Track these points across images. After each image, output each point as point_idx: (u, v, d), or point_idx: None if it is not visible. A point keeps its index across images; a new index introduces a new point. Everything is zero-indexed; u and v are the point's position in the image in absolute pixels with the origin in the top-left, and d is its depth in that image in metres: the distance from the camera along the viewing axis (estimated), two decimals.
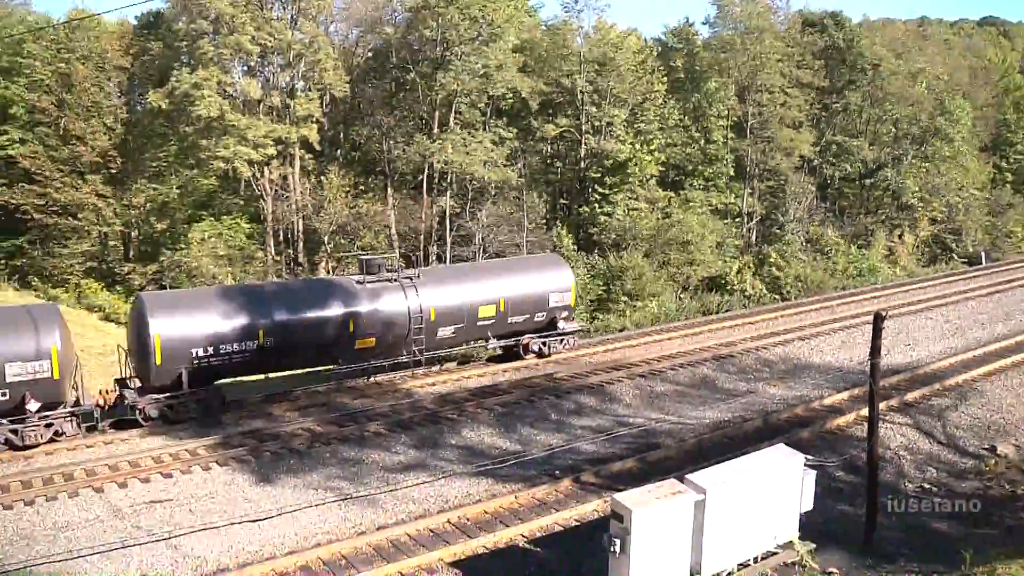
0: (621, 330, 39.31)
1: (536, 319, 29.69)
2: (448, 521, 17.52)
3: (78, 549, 16.49)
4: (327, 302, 25.47)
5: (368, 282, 26.40)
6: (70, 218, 49.56)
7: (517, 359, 30.02)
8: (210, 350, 23.21)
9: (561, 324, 30.26)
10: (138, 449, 21.76)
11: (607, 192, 52.97)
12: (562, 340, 30.66)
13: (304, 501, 18.68)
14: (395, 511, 18.39)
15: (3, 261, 52.27)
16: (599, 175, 53.68)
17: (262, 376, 26.74)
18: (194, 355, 23.01)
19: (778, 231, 58.73)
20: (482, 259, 46.09)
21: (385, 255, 30.35)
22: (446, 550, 16.24)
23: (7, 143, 50.55)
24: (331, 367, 26.18)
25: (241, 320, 23.73)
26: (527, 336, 29.90)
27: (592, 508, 18.04)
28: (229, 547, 16.76)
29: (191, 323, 23.15)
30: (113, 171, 51.80)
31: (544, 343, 30.20)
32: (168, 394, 23.15)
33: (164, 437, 22.66)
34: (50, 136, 50.42)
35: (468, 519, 17.66)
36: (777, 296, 49.14)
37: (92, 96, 50.62)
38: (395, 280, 26.87)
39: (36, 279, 50.24)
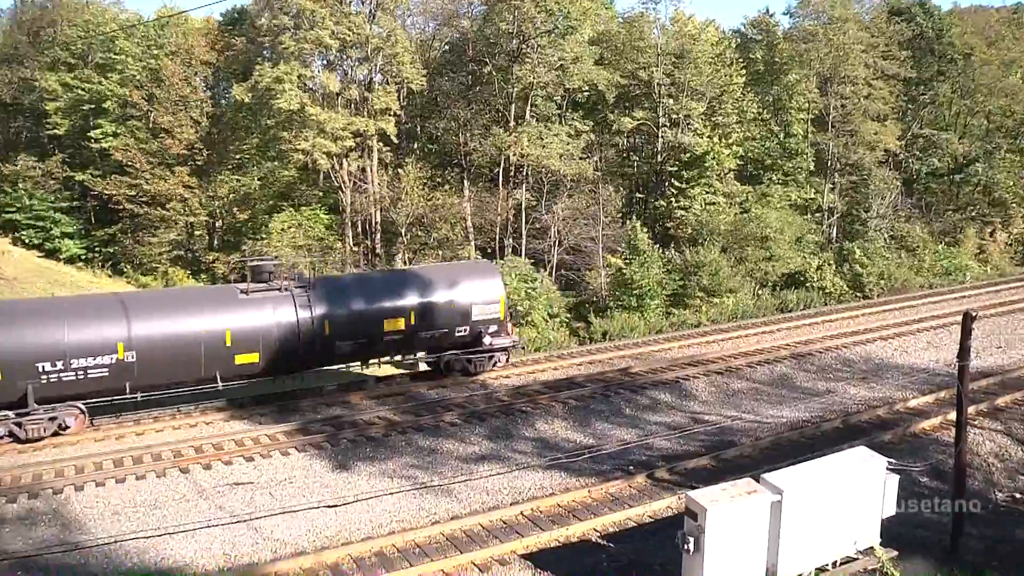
0: (696, 325, 38.86)
1: (458, 334, 26.71)
2: (521, 513, 17.59)
3: (165, 527, 17.14)
4: (201, 313, 22.93)
5: (253, 291, 23.92)
6: (159, 208, 51.24)
7: (442, 377, 27.44)
8: (59, 364, 20.90)
9: (488, 340, 27.02)
10: (221, 432, 22.45)
11: (684, 186, 52.29)
12: (491, 357, 27.64)
13: (380, 489, 19.00)
14: (469, 501, 18.56)
15: (98, 248, 54.47)
16: (676, 169, 53.02)
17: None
18: (41, 370, 20.79)
19: (860, 227, 57.15)
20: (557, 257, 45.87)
21: (275, 260, 26.78)
22: (519, 542, 16.32)
23: (101, 136, 52.58)
24: (211, 387, 23.21)
25: (97, 332, 21.38)
26: (450, 352, 27.06)
27: (666, 505, 17.90)
28: (307, 531, 17.16)
29: (36, 334, 20.84)
30: (199, 163, 53.35)
31: (469, 360, 27.27)
32: (17, 411, 21.05)
33: (246, 422, 23.33)
34: (141, 129, 52.24)
35: (541, 512, 17.71)
36: (859, 294, 47.84)
37: (180, 91, 52.17)
38: (285, 290, 24.28)
39: (128, 266, 52.19)
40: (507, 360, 28.38)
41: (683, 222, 51.40)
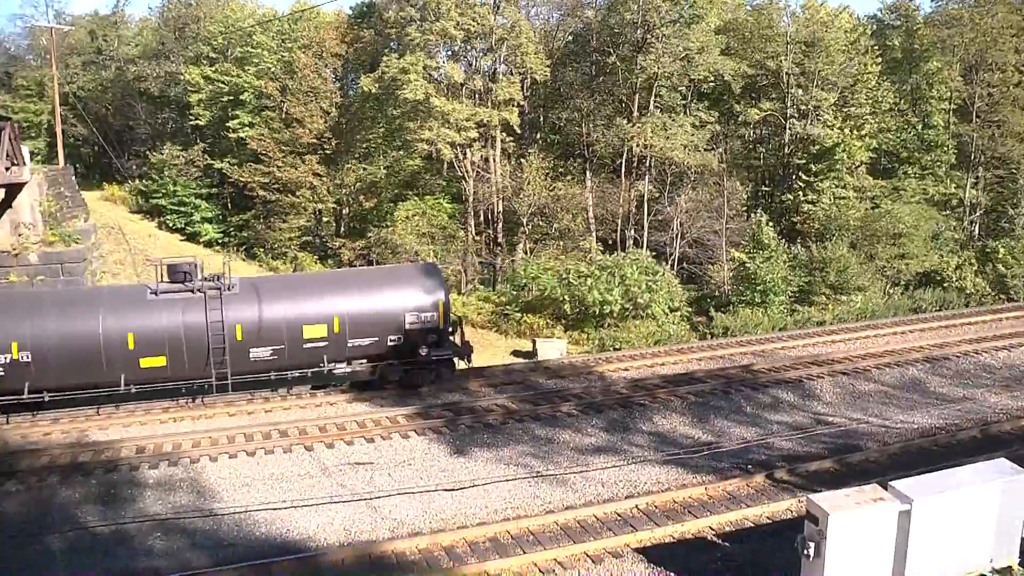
0: (821, 324, 37.55)
1: (391, 343, 24.30)
2: (636, 507, 17.45)
3: (290, 500, 17.90)
4: (105, 313, 21.88)
5: (163, 292, 22.71)
6: (289, 195, 53.38)
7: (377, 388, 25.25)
8: None
9: (424, 351, 24.44)
10: (344, 413, 23.22)
11: (812, 179, 50.59)
12: (433, 369, 25.16)
13: (496, 475, 19.23)
14: (583, 492, 18.55)
15: (233, 233, 57.26)
16: (804, 161, 51.39)
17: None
18: None
19: (1007, 225, 53.83)
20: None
21: (190, 260, 24.56)
22: (632, 535, 16.20)
23: (238, 126, 55.22)
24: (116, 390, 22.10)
25: None
26: (386, 362, 24.70)
27: (785, 507, 17.39)
28: (423, 512, 17.54)
29: None
30: (327, 152, 55.23)
31: (407, 372, 24.85)
32: None
33: (368, 404, 24.02)
34: (274, 119, 54.52)
35: (656, 506, 17.53)
36: (1002, 296, 45.11)
37: (311, 82, 54.10)
38: (198, 291, 22.91)
39: (260, 251, 54.64)
40: (453, 372, 25.76)
41: (810, 216, 49.77)
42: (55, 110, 45.47)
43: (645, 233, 49.60)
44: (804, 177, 50.89)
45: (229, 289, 23.22)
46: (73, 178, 38.06)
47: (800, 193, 50.77)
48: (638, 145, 48.46)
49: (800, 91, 52.09)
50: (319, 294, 23.97)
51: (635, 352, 29.92)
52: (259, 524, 16.95)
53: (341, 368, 24.23)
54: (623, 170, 50.83)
